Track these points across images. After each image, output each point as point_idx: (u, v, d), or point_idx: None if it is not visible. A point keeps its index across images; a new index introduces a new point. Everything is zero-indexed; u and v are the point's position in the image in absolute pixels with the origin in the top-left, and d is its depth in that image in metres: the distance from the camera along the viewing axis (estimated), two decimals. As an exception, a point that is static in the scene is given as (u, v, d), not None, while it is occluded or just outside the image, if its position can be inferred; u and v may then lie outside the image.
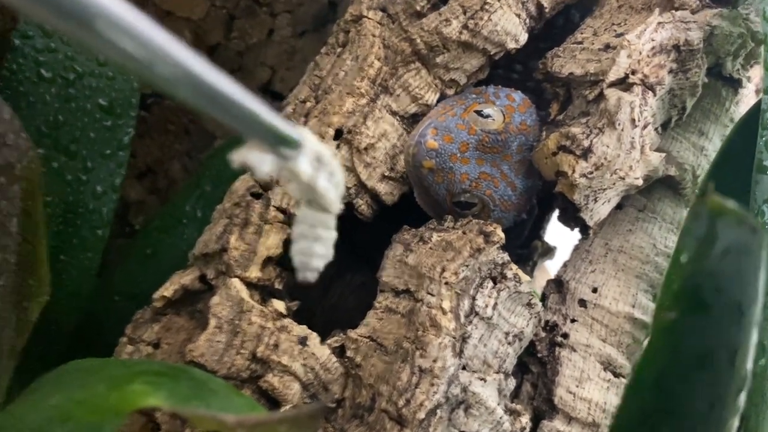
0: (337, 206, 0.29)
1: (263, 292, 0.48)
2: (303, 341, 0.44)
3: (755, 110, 0.43)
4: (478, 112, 0.48)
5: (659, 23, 0.47)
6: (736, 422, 0.30)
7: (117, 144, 0.62)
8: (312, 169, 0.27)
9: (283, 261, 0.50)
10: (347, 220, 0.54)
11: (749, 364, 0.28)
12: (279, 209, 0.47)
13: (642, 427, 0.27)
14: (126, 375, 0.29)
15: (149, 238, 0.73)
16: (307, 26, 0.74)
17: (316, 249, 0.30)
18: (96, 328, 0.69)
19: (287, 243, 0.48)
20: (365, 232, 0.65)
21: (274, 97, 0.76)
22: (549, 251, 0.69)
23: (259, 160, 0.24)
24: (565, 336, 0.50)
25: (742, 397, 0.29)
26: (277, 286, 0.48)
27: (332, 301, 0.66)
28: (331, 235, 0.30)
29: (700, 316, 0.25)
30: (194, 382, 0.29)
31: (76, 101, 0.60)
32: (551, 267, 0.79)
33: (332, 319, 0.66)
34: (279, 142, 0.25)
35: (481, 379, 0.44)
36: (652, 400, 0.27)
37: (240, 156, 0.24)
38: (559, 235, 0.69)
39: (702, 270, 0.24)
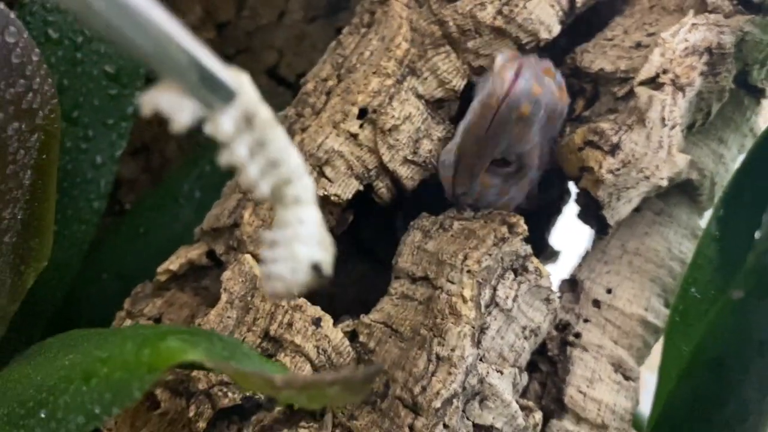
0: (262, 186, 0.23)
1: (274, 271, 0.46)
2: (317, 322, 0.43)
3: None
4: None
5: (693, 24, 0.46)
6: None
7: (120, 114, 0.60)
8: (234, 129, 0.21)
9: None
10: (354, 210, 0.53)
11: (807, 356, 0.27)
12: (296, 186, 0.46)
13: (694, 408, 0.26)
14: (156, 333, 0.27)
15: (142, 216, 0.70)
16: (319, 12, 0.73)
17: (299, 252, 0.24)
18: (80, 306, 0.66)
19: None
20: (368, 222, 0.64)
21: (279, 82, 0.75)
22: (553, 255, 0.68)
23: (177, 106, 0.20)
24: (578, 335, 0.49)
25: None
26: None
27: (331, 290, 0.64)
28: (302, 230, 0.24)
29: (766, 298, 0.24)
30: (228, 344, 0.28)
31: (82, 66, 0.58)
32: (552, 271, 0.78)
33: (332, 309, 0.64)
34: (207, 87, 0.20)
35: (498, 371, 0.43)
36: (708, 383, 0.26)
37: (152, 99, 0.20)
38: (563, 240, 0.68)
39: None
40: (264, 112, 0.22)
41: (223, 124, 0.21)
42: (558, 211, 0.66)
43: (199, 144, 0.75)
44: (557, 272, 0.56)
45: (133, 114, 0.59)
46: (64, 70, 0.57)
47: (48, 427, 0.30)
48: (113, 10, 0.18)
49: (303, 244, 0.24)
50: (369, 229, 0.64)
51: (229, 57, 0.73)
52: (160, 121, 0.72)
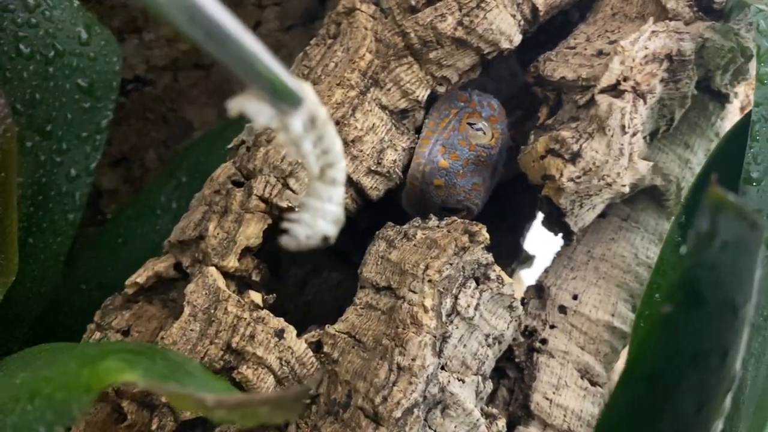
0: (327, 174, 0.28)
1: (240, 282, 0.47)
2: (280, 334, 0.43)
3: (744, 122, 0.43)
4: (471, 125, 0.50)
5: (653, 31, 0.47)
6: (720, 425, 0.29)
7: (94, 127, 0.60)
8: (303, 129, 0.26)
9: (260, 253, 0.48)
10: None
11: (738, 366, 0.28)
12: (261, 198, 0.46)
13: (629, 422, 0.27)
14: (99, 353, 0.27)
15: (121, 226, 0.71)
16: (295, 21, 0.74)
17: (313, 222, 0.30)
18: (61, 316, 0.67)
19: (267, 233, 0.47)
20: (344, 230, 0.64)
21: (258, 91, 0.75)
22: (527, 259, 0.68)
23: (257, 111, 0.24)
24: (544, 342, 0.50)
25: (728, 400, 0.28)
26: (255, 277, 0.47)
27: (307, 298, 0.65)
28: (328, 207, 0.30)
29: (696, 311, 0.25)
30: (170, 363, 0.28)
31: (54, 80, 0.58)
32: (526, 276, 0.79)
33: (307, 317, 0.65)
34: (280, 96, 0.25)
35: (460, 380, 0.43)
36: (643, 395, 0.26)
37: (238, 104, 0.24)
38: (538, 245, 0.69)
39: (702, 263, 0.24)
40: (323, 113, 0.27)
41: (295, 125, 0.26)
42: (532, 216, 0.67)
43: (179, 154, 0.75)
44: (531, 280, 0.56)
45: (106, 126, 0.60)
46: (36, 85, 0.57)
47: (-1, 445, 0.30)
48: (204, 29, 0.21)
49: (324, 219, 0.30)
50: (345, 238, 0.65)
51: (206, 67, 0.74)
52: (138, 131, 0.72)
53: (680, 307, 0.25)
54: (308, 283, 0.64)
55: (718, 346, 0.26)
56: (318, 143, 0.28)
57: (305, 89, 0.26)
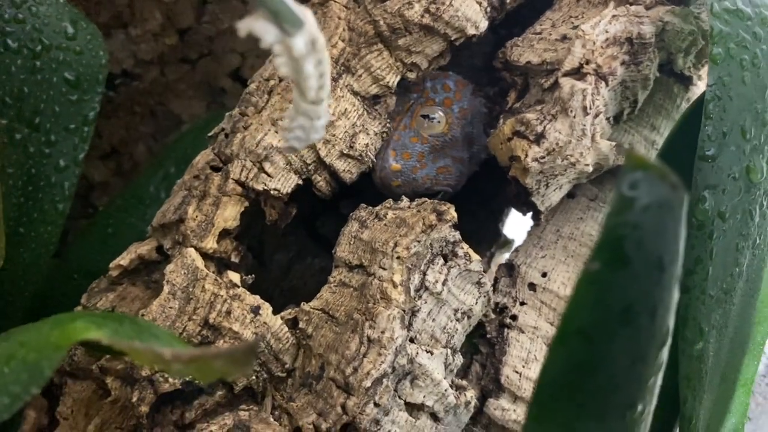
0: (318, 95, 0.31)
1: (219, 264, 0.49)
2: (255, 310, 0.45)
3: (700, 101, 0.45)
4: (424, 116, 0.52)
5: (614, 16, 0.48)
6: (658, 380, 0.31)
7: (82, 119, 0.62)
8: (305, 49, 0.28)
9: (242, 238, 0.50)
10: (310, 205, 0.55)
11: (670, 323, 0.29)
12: (237, 182, 0.48)
13: (567, 377, 0.28)
14: (70, 317, 0.29)
15: (110, 217, 0.73)
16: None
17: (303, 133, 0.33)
18: (52, 306, 0.69)
19: (244, 215, 0.49)
20: (327, 218, 0.66)
21: (243, 83, 0.77)
22: (506, 243, 0.70)
23: (265, 30, 0.26)
24: (514, 318, 0.51)
25: (664, 354, 0.30)
26: (234, 259, 0.49)
27: (292, 283, 0.67)
28: (316, 124, 0.33)
29: (622, 270, 0.26)
30: (137, 326, 0.30)
31: (41, 73, 0.60)
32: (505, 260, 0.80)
33: (291, 301, 0.66)
34: (283, 18, 0.27)
35: (428, 352, 0.45)
36: (577, 352, 0.28)
37: (247, 24, 0.26)
38: (517, 229, 0.70)
39: (624, 223, 0.25)
40: (321, 37, 0.29)
41: (299, 45, 0.28)
42: (510, 201, 0.68)
43: (167, 146, 0.77)
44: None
45: (93, 118, 0.62)
46: (24, 78, 0.59)
47: (-18, 409, 0.32)
48: None
49: (314, 132, 0.33)
50: (328, 224, 0.67)
51: (192, 61, 0.76)
52: (126, 125, 0.74)
53: (606, 265, 0.27)
54: (292, 269, 0.66)
55: (646, 304, 0.28)
56: (317, 66, 0.30)
57: (306, 14, 0.28)
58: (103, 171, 0.78)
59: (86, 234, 0.72)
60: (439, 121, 0.52)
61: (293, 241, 0.67)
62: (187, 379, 0.42)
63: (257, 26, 0.27)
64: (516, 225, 0.69)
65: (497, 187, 0.68)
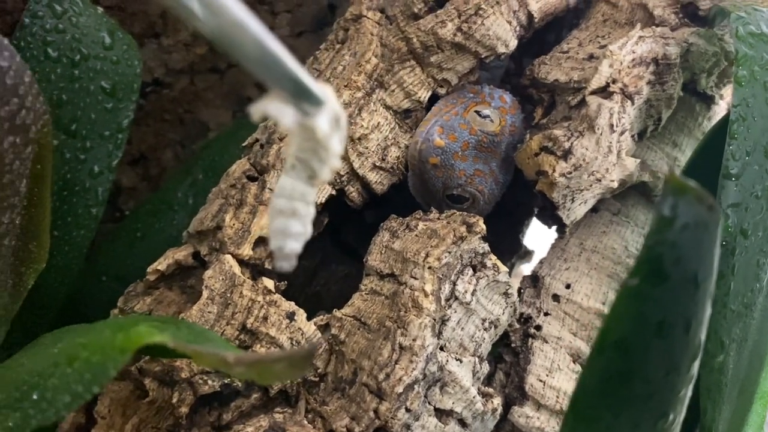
0: (329, 175, 0.29)
1: (253, 270, 0.50)
2: (291, 316, 0.46)
3: (724, 121, 0.47)
4: (478, 113, 0.51)
5: (640, 37, 0.50)
6: (689, 392, 0.33)
7: (116, 126, 0.64)
8: (329, 128, 0.26)
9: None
10: (335, 213, 0.56)
11: (702, 336, 0.31)
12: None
13: (604, 386, 0.30)
14: (131, 321, 0.31)
15: (139, 221, 0.75)
16: (306, 27, 0.77)
17: (293, 227, 0.29)
18: (82, 307, 0.70)
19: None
20: (351, 226, 0.68)
21: (270, 93, 0.79)
22: (527, 254, 0.71)
23: (281, 112, 0.25)
24: (538, 328, 0.53)
25: (695, 367, 0.32)
26: (267, 266, 0.51)
27: (316, 289, 0.68)
28: (310, 211, 0.30)
29: (659, 285, 0.28)
30: (194, 331, 0.31)
31: (79, 82, 0.62)
32: (526, 270, 0.82)
33: (315, 306, 0.68)
34: (302, 97, 0.25)
35: (458, 360, 0.46)
36: (614, 362, 0.29)
37: (261, 107, 0.24)
38: (537, 240, 0.72)
39: (663, 241, 0.27)
40: (344, 114, 0.28)
41: (322, 125, 0.26)
42: (531, 213, 0.70)
43: (195, 152, 0.79)
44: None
45: (128, 126, 0.63)
46: (63, 86, 0.61)
47: (39, 407, 0.34)
48: (227, 30, 0.23)
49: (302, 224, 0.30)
50: (353, 233, 0.68)
51: (221, 71, 0.77)
52: (155, 132, 0.76)
53: (645, 280, 0.28)
54: (317, 275, 0.68)
55: (681, 317, 0.29)
56: (341, 144, 0.28)
57: (326, 91, 0.27)
58: (131, 176, 0.80)
59: (115, 237, 0.74)
60: (492, 120, 0.51)
61: (318, 248, 0.69)
62: (226, 381, 0.43)
63: (272, 108, 0.25)
64: (536, 236, 0.71)
65: (518, 199, 0.70)
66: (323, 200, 0.50)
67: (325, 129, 0.26)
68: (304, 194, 0.29)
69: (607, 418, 0.31)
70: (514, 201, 0.70)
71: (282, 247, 0.29)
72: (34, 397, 0.34)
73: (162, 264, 0.51)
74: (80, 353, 0.31)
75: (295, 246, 0.30)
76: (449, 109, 0.52)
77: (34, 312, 0.64)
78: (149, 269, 0.52)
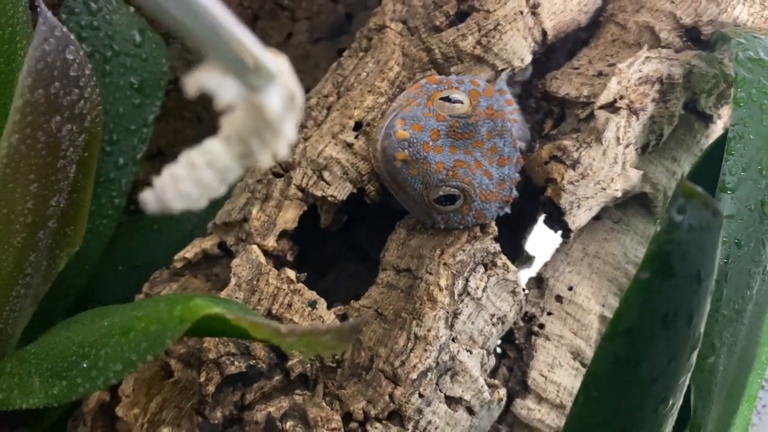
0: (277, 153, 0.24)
1: (276, 261, 0.53)
2: (313, 305, 0.49)
3: (722, 139, 0.50)
4: (445, 98, 0.47)
5: (647, 57, 0.54)
6: (687, 380, 0.36)
7: (142, 121, 0.66)
8: (282, 108, 0.23)
9: (294, 236, 0.55)
10: (349, 214, 0.59)
11: (701, 329, 0.34)
12: (299, 188, 0.53)
13: (612, 370, 0.33)
14: (185, 297, 0.33)
15: (156, 215, 0.77)
16: (323, 34, 0.80)
17: (187, 186, 0.25)
18: (98, 294, 0.73)
19: (302, 218, 0.53)
20: (363, 225, 0.71)
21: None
22: (528, 260, 0.75)
23: (221, 86, 0.21)
24: (541, 326, 0.56)
25: (694, 357, 0.35)
26: (289, 257, 0.54)
27: (326, 286, 0.71)
28: (218, 189, 0.26)
29: (667, 280, 0.31)
30: (241, 307, 0.34)
31: (110, 77, 0.64)
32: (527, 276, 0.85)
33: (326, 300, 0.71)
34: (249, 69, 0.21)
35: (468, 351, 0.49)
36: (623, 348, 0.33)
37: (197, 78, 0.21)
38: (538, 246, 0.75)
39: (672, 240, 0.30)
40: (300, 93, 0.24)
41: (273, 103, 0.22)
42: (533, 220, 0.73)
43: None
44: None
45: (153, 121, 0.66)
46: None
47: (89, 375, 0.37)
48: None
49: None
50: (363, 232, 0.71)
51: (239, 72, 0.80)
52: (174, 129, 0.79)
53: (654, 275, 0.31)
54: (328, 271, 0.70)
55: (684, 310, 0.32)
56: (293, 127, 0.24)
57: (280, 63, 0.23)
58: (148, 170, 0.83)
59: (132, 229, 0.76)
60: (462, 103, 0.47)
61: (329, 245, 0.72)
62: (251, 363, 0.46)
63: (211, 81, 0.21)
64: (537, 242, 0.74)
65: (520, 206, 0.73)
66: (344, 197, 0.53)
67: (276, 108, 0.22)
68: (224, 170, 0.25)
69: (614, 399, 0.34)
70: (517, 209, 0.73)
71: (163, 189, 0.24)
72: (84, 365, 0.37)
73: (189, 252, 0.54)
74: (136, 324, 0.33)
75: (175, 202, 0.25)
76: (409, 102, 0.48)
77: (55, 296, 0.66)
78: (177, 257, 0.54)
